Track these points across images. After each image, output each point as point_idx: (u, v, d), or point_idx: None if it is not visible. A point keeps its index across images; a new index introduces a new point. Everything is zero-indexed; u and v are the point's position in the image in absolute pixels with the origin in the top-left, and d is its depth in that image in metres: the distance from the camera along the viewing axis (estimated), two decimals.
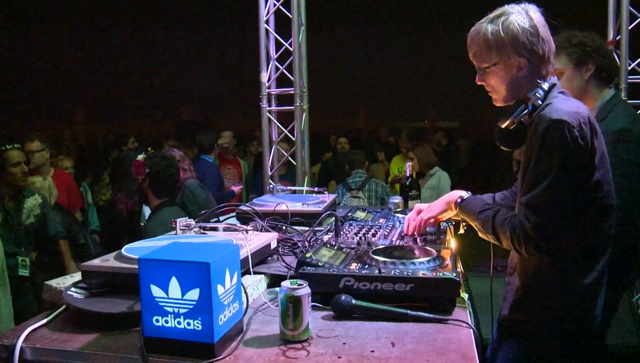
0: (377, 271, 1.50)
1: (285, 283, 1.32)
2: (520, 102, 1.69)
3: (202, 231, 1.95)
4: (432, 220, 1.97)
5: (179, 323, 1.19)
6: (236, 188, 5.63)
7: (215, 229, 1.96)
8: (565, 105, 1.61)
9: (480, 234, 1.76)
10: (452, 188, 4.68)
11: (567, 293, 1.66)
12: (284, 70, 4.22)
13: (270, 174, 4.39)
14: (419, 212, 2.01)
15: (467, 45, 1.76)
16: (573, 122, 1.55)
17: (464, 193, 1.90)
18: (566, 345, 1.69)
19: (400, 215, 2.45)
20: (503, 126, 1.73)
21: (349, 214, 2.48)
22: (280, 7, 4.17)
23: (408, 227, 2.03)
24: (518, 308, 1.75)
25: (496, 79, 1.72)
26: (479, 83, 1.79)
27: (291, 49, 4.13)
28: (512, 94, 1.73)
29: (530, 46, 1.65)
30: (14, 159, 3.49)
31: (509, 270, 1.86)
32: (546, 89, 1.67)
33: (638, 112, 3.32)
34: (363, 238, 1.98)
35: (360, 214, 2.50)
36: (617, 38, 3.94)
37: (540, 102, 1.66)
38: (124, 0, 17.36)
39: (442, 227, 2.15)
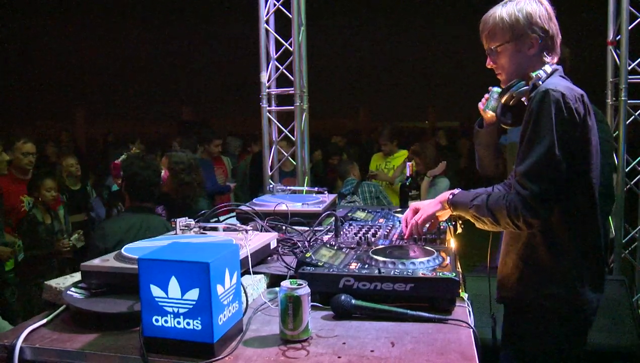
0: (376, 271, 1.50)
1: (285, 283, 1.32)
2: (521, 78, 1.79)
3: (201, 231, 1.95)
4: (429, 223, 1.93)
5: (178, 323, 1.19)
6: (232, 184, 5.89)
7: (215, 229, 1.96)
8: (561, 82, 1.69)
9: (477, 225, 1.77)
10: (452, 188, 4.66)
11: (559, 275, 1.71)
12: (284, 70, 4.22)
13: (270, 173, 4.40)
14: (415, 211, 2.00)
15: (480, 28, 1.87)
16: (568, 94, 1.61)
17: (455, 190, 1.90)
18: (555, 324, 1.73)
19: (399, 215, 2.45)
20: (502, 100, 1.84)
21: (349, 214, 2.48)
22: (280, 7, 4.17)
23: (406, 228, 2.02)
24: (514, 287, 1.79)
25: (507, 57, 1.81)
26: (489, 66, 1.89)
27: (291, 49, 4.13)
28: (519, 71, 1.81)
29: (542, 24, 1.76)
30: (23, 149, 3.73)
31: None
32: (549, 71, 1.74)
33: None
34: (363, 238, 1.97)
35: (360, 214, 2.50)
36: (617, 38, 3.94)
37: (540, 82, 1.71)
38: (124, 1, 17.35)
39: (442, 227, 2.15)
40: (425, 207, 1.94)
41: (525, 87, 1.76)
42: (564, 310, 1.73)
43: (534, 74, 1.74)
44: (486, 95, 2.05)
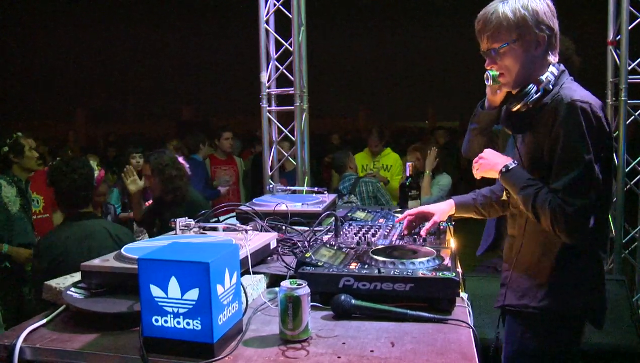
0: (376, 271, 1.50)
1: (285, 283, 1.32)
2: (530, 84, 1.70)
3: (201, 231, 1.95)
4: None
5: (178, 323, 1.19)
6: (223, 189, 5.48)
7: (214, 229, 1.96)
8: (582, 90, 1.65)
9: (520, 206, 1.76)
10: (453, 189, 4.64)
11: (586, 283, 1.73)
12: (284, 70, 4.22)
13: (270, 173, 4.39)
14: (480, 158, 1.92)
15: (479, 28, 1.76)
16: (594, 102, 1.60)
17: (511, 162, 1.79)
18: (571, 332, 1.75)
19: (399, 215, 2.45)
20: (514, 109, 1.74)
21: (349, 214, 2.48)
22: (280, 7, 4.17)
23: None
24: (531, 296, 1.78)
25: (512, 58, 1.72)
26: (488, 68, 1.78)
27: (291, 49, 4.13)
28: (525, 74, 1.73)
29: (548, 22, 1.69)
30: (30, 144, 3.59)
31: (505, 260, 1.90)
32: (556, 73, 1.71)
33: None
34: (363, 238, 1.98)
35: (360, 214, 2.50)
36: (617, 38, 3.94)
37: (551, 86, 1.69)
38: (125, 2, 17.35)
39: (442, 227, 2.15)
40: (486, 165, 1.85)
41: (538, 94, 1.69)
42: (589, 315, 1.76)
43: (543, 78, 1.69)
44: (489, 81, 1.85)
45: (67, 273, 1.68)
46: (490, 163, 1.83)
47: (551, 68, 1.72)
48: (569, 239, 1.62)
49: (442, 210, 2.13)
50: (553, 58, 1.74)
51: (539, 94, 1.70)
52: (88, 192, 2.74)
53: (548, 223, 1.62)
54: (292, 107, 4.20)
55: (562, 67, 1.77)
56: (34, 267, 2.70)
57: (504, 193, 1.94)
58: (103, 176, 3.38)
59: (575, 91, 1.64)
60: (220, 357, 1.20)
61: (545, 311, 1.74)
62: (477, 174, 1.89)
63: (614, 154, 3.92)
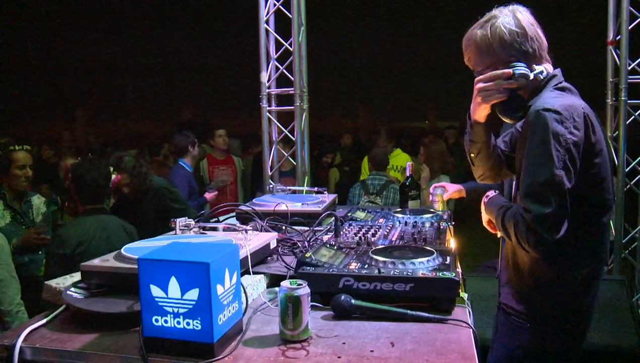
0: (376, 271, 1.50)
1: (285, 283, 1.32)
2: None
3: (201, 231, 1.95)
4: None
5: (178, 323, 1.19)
6: (209, 195, 5.01)
7: (214, 229, 1.96)
8: (557, 100, 1.62)
9: (499, 233, 1.76)
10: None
11: (563, 288, 1.71)
12: (284, 70, 4.22)
13: (270, 173, 4.39)
14: None
15: (463, 50, 1.82)
16: (564, 112, 1.57)
17: (490, 192, 1.86)
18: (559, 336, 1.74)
19: (399, 215, 2.45)
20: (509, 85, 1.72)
21: (349, 214, 2.48)
22: (280, 7, 4.17)
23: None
24: (518, 299, 1.78)
25: None
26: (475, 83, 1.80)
27: (291, 49, 4.13)
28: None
29: (519, 46, 1.70)
30: (20, 161, 3.49)
31: (501, 263, 1.90)
32: (550, 72, 1.72)
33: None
34: (363, 238, 1.98)
35: (360, 214, 2.50)
36: (617, 38, 3.94)
37: (542, 76, 1.69)
38: (125, 2, 17.35)
39: (442, 227, 2.15)
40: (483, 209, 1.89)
41: (526, 71, 1.68)
42: (572, 317, 1.74)
43: (537, 68, 1.70)
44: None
45: (88, 260, 1.69)
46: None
47: (548, 66, 1.74)
48: (533, 251, 1.55)
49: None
50: (540, 66, 1.73)
51: (527, 71, 1.67)
52: (105, 191, 3.11)
53: (514, 239, 1.59)
54: (292, 107, 4.21)
55: (556, 72, 1.75)
56: (52, 255, 2.85)
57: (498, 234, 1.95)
58: (119, 180, 3.61)
59: (547, 100, 1.62)
60: (220, 357, 1.20)
61: (523, 314, 1.76)
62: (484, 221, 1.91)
63: (614, 154, 3.94)
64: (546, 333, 1.74)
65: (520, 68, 1.68)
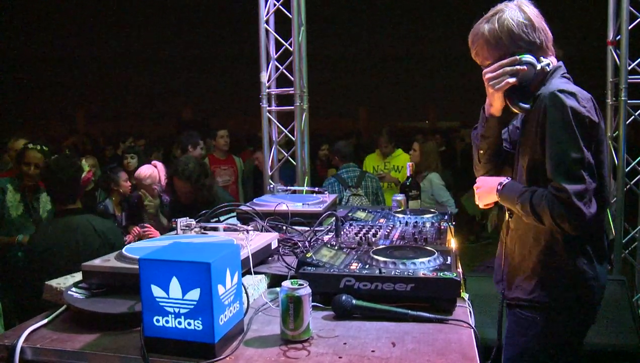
0: (377, 271, 1.50)
1: (286, 284, 1.32)
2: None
3: (202, 231, 1.95)
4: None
5: (179, 323, 1.19)
6: None
7: (215, 229, 1.96)
8: (568, 85, 1.68)
9: (524, 219, 1.77)
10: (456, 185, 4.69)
11: (578, 278, 1.73)
12: (284, 70, 4.22)
13: (270, 173, 4.39)
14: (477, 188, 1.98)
15: (469, 44, 1.85)
16: (579, 94, 1.63)
17: (503, 180, 1.85)
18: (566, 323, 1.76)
19: (400, 215, 2.45)
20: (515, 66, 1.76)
21: (349, 214, 2.48)
22: (280, 7, 4.17)
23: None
24: (527, 290, 1.80)
25: None
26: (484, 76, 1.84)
27: (291, 49, 4.13)
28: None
29: (527, 37, 1.74)
30: (27, 158, 3.58)
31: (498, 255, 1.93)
32: (555, 64, 1.76)
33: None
34: (363, 238, 1.98)
35: (361, 214, 2.50)
36: (617, 38, 3.94)
37: (548, 68, 1.73)
38: (125, 2, 17.35)
39: (442, 227, 2.15)
40: (484, 193, 1.92)
41: (532, 59, 1.72)
42: (577, 309, 1.76)
43: (544, 60, 1.74)
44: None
45: (56, 267, 1.69)
46: (486, 189, 1.90)
47: (552, 58, 1.77)
48: (573, 229, 1.60)
49: None
50: (546, 59, 1.78)
51: (535, 60, 1.72)
52: (74, 190, 2.85)
53: (549, 221, 1.62)
54: (292, 107, 4.21)
55: (560, 64, 1.81)
56: (21, 265, 2.84)
57: (506, 214, 1.95)
58: (91, 177, 3.47)
59: (559, 84, 1.67)
60: (221, 357, 1.20)
61: (534, 303, 1.77)
62: (481, 204, 1.94)
63: (614, 154, 3.94)
64: (557, 323, 1.75)
65: (527, 56, 1.73)
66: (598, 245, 1.76)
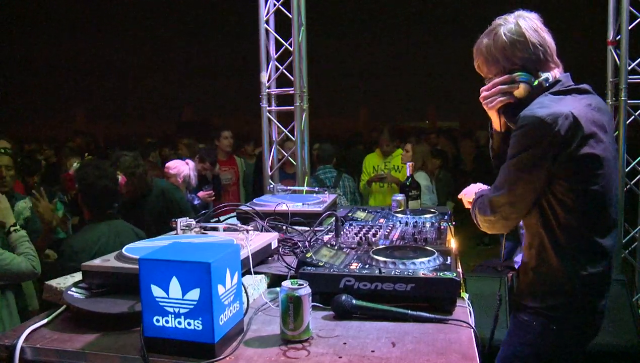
0: (377, 271, 1.51)
1: (286, 283, 1.32)
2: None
3: (202, 231, 1.95)
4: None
5: (179, 323, 1.19)
6: (202, 194, 4.83)
7: (215, 229, 1.96)
8: (544, 105, 1.64)
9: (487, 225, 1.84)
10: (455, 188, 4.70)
11: (571, 284, 1.71)
12: (284, 70, 4.22)
13: (270, 173, 4.39)
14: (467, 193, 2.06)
15: (473, 56, 1.88)
16: (547, 116, 1.60)
17: (481, 191, 1.92)
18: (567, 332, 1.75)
19: (400, 215, 2.45)
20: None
21: (349, 214, 2.48)
22: (280, 7, 4.17)
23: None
24: (526, 293, 1.80)
25: None
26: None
27: (291, 49, 4.13)
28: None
29: (521, 54, 1.73)
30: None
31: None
32: (555, 77, 1.74)
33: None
34: (363, 238, 1.98)
35: (361, 214, 2.51)
36: (617, 38, 3.94)
37: (547, 84, 1.72)
38: (126, 3, 17.35)
39: (442, 227, 2.15)
40: (467, 204, 2.01)
41: (527, 77, 1.72)
42: (571, 318, 1.74)
43: (542, 75, 1.72)
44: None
45: None
46: (467, 200, 2.01)
47: (555, 72, 1.74)
48: (481, 221, 1.77)
49: None
50: (545, 74, 1.74)
51: (529, 78, 1.72)
52: (116, 196, 2.90)
53: (473, 217, 1.79)
54: (292, 107, 4.21)
55: (561, 77, 1.74)
56: (63, 268, 2.54)
57: None
58: (125, 181, 3.43)
59: (533, 106, 1.65)
60: (221, 357, 1.20)
61: (528, 309, 1.76)
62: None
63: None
64: (551, 331, 1.73)
65: (522, 74, 1.72)
66: (597, 253, 1.72)
